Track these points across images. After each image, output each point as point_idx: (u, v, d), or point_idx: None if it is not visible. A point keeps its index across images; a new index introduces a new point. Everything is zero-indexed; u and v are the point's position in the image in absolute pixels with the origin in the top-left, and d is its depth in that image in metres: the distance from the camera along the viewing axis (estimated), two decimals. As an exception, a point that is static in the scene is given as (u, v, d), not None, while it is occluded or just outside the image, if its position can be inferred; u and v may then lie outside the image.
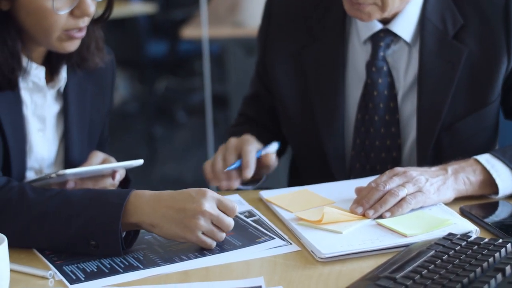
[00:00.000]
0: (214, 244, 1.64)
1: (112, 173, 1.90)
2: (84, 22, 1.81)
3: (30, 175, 1.93)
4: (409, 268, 1.43)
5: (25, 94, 1.89)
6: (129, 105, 6.44)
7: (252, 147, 1.95)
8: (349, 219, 1.72)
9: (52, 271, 1.57)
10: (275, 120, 2.20)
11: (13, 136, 1.86)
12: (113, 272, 1.57)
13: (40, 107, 1.92)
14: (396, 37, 2.04)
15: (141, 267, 1.59)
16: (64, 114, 1.96)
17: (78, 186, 1.86)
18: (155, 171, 5.20)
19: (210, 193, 1.64)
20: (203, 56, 4.14)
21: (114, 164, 1.88)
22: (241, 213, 1.82)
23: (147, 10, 5.90)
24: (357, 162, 2.07)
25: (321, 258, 1.58)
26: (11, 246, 1.47)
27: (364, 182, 1.85)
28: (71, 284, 1.53)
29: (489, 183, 1.84)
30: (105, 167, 1.86)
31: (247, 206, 1.87)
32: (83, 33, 1.83)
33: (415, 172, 1.79)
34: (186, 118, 6.39)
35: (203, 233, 1.63)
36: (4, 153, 1.85)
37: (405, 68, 2.05)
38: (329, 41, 2.08)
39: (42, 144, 1.94)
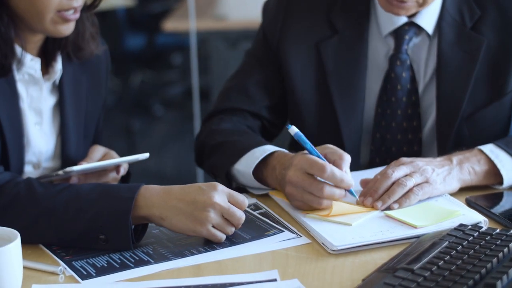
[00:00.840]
0: (223, 237, 1.63)
1: (116, 167, 1.88)
2: (78, 1, 1.80)
3: (28, 169, 1.91)
4: (426, 260, 1.43)
5: (21, 87, 1.87)
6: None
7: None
8: (358, 211, 1.71)
9: (62, 267, 1.55)
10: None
11: (10, 130, 1.84)
12: (124, 267, 1.55)
13: (37, 100, 1.90)
14: (419, 29, 2.03)
15: (152, 261, 1.57)
16: (60, 106, 1.94)
17: (81, 181, 1.84)
18: (134, 165, 5.17)
19: (221, 187, 1.63)
20: (190, 49, 4.12)
21: (120, 159, 1.86)
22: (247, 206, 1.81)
23: (125, 4, 5.86)
24: (377, 156, 2.06)
25: (333, 250, 1.57)
26: (20, 241, 1.45)
27: (369, 173, 1.86)
28: (82, 279, 1.51)
29: (493, 173, 1.85)
30: (111, 162, 1.84)
31: (251, 199, 1.86)
32: (77, 15, 1.81)
33: (421, 162, 1.79)
34: (163, 111, 6.36)
35: (213, 226, 1.62)
36: (2, 148, 1.83)
37: (425, 61, 2.04)
38: (351, 34, 2.06)
39: (40, 138, 1.91)
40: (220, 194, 1.62)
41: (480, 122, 2.02)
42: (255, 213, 1.78)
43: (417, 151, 2.06)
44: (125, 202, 1.61)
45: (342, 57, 2.06)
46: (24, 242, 1.56)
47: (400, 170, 1.75)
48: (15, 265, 1.39)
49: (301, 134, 1.74)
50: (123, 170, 1.90)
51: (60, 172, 1.77)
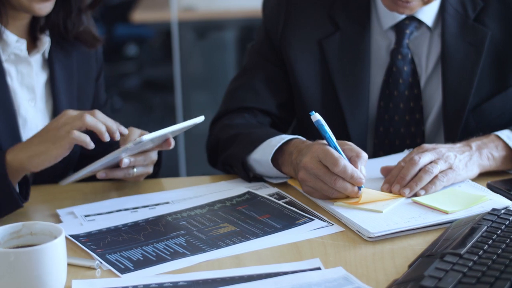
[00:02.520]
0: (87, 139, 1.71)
1: (164, 142, 1.85)
2: None
3: None
4: (470, 244, 1.44)
5: (8, 66, 1.88)
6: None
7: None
8: (385, 198, 1.72)
9: (98, 261, 1.52)
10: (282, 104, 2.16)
11: (0, 109, 1.84)
12: (160, 259, 1.53)
13: (27, 76, 1.90)
14: (419, 23, 2.04)
15: (188, 253, 1.55)
16: (52, 81, 1.95)
17: (108, 174, 1.83)
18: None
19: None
20: (172, 39, 4.08)
21: (181, 124, 1.79)
22: (270, 195, 1.80)
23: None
24: (380, 149, 2.07)
25: (370, 237, 1.57)
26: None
27: (386, 160, 1.87)
28: (121, 273, 1.48)
29: (510, 158, 1.87)
30: (175, 128, 1.78)
31: (273, 189, 1.85)
32: None
33: (444, 148, 1.80)
34: (121, 103, 6.30)
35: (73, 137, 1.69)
36: None
37: (426, 54, 2.05)
38: (353, 30, 2.06)
39: (35, 115, 1.92)
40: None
41: (486, 113, 2.03)
42: (280, 202, 1.77)
43: (420, 144, 2.06)
44: None
45: (345, 53, 2.06)
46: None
47: (425, 156, 1.76)
48: (61, 260, 1.36)
49: (322, 123, 1.73)
50: (173, 143, 1.86)
51: (129, 144, 1.74)
